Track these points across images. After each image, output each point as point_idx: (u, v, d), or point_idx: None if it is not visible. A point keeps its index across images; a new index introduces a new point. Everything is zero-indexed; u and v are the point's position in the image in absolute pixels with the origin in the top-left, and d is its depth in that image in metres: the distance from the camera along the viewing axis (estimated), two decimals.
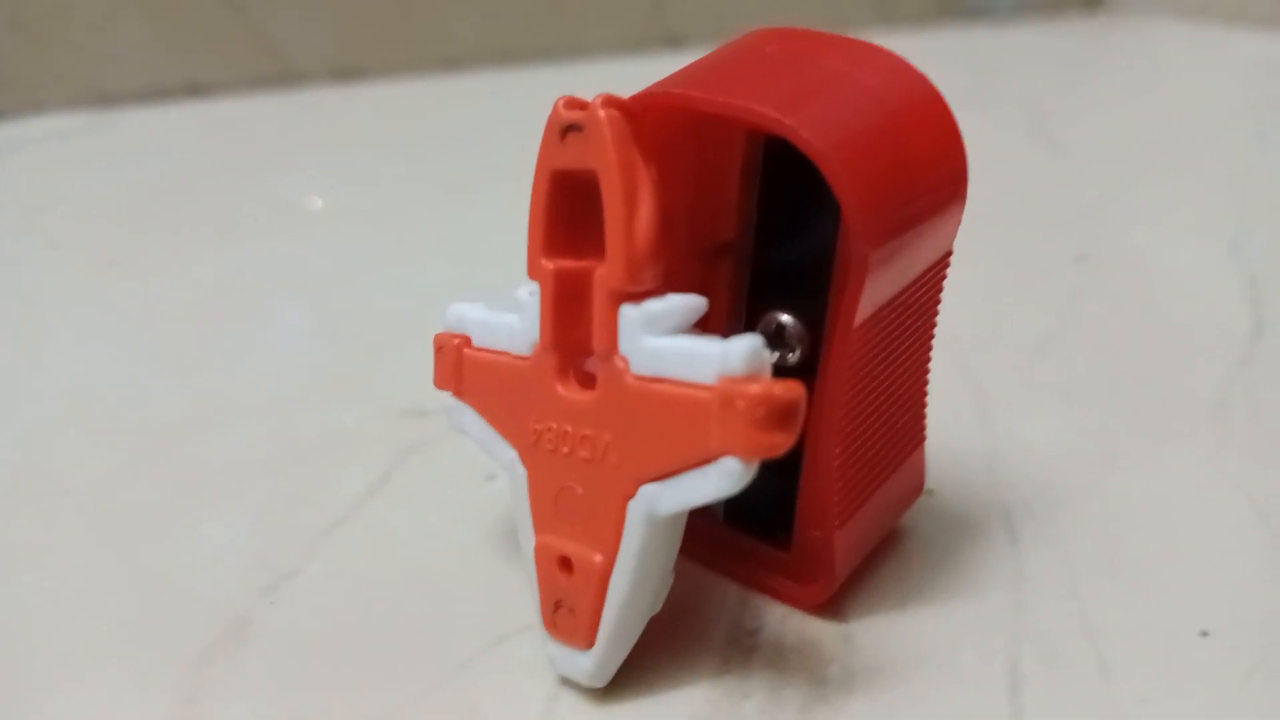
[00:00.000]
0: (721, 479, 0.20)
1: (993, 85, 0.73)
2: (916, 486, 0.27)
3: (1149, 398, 0.34)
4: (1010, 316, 0.40)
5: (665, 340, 0.20)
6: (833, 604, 0.25)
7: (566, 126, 0.21)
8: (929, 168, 0.22)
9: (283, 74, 0.69)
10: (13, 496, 0.30)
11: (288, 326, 0.40)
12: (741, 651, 0.24)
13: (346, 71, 0.71)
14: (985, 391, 0.34)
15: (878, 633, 0.24)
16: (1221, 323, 0.39)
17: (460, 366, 0.24)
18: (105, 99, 0.65)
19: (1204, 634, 0.24)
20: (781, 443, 0.19)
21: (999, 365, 0.36)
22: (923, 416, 0.26)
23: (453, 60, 0.73)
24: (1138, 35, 0.87)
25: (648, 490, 0.21)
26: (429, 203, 0.52)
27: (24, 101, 0.64)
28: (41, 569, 0.27)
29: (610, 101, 0.20)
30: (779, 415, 0.19)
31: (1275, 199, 0.52)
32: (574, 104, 0.21)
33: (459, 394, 0.24)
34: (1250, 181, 0.55)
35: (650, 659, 0.23)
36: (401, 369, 0.35)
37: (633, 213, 0.20)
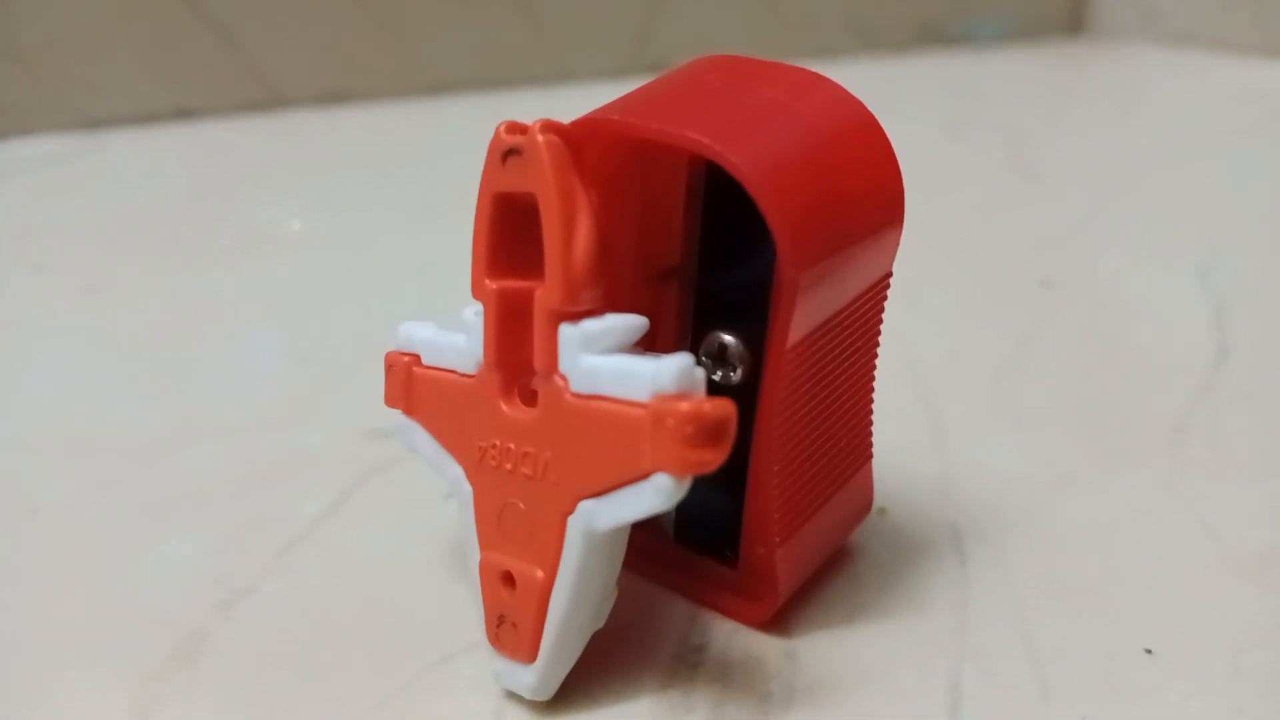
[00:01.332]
0: (655, 495, 0.20)
1: (973, 112, 0.73)
2: (864, 504, 0.27)
3: (1108, 423, 0.34)
4: (973, 341, 0.40)
5: (601, 359, 0.21)
6: (779, 620, 0.25)
7: (507, 150, 0.21)
8: (863, 193, 0.22)
9: (270, 99, 0.70)
10: None
11: (260, 349, 0.40)
12: (687, 667, 0.24)
13: (333, 96, 0.72)
14: (943, 415, 0.34)
15: (822, 650, 0.25)
16: (1185, 349, 0.39)
17: (410, 385, 0.25)
18: (94, 123, 0.66)
19: (1148, 652, 0.24)
20: (711, 459, 0.19)
21: (959, 389, 0.36)
22: (868, 435, 0.26)
23: (439, 86, 0.74)
24: (1119, 62, 0.88)
25: (586, 506, 0.21)
26: (408, 227, 0.53)
27: (14, 126, 0.65)
28: (3, 584, 0.27)
29: (549, 126, 0.21)
30: (709, 432, 0.19)
31: (1247, 226, 0.53)
32: (514, 128, 0.21)
33: (409, 412, 0.25)
34: (1223, 208, 0.55)
35: (596, 673, 0.24)
36: (368, 391, 0.35)
37: (570, 235, 0.21)
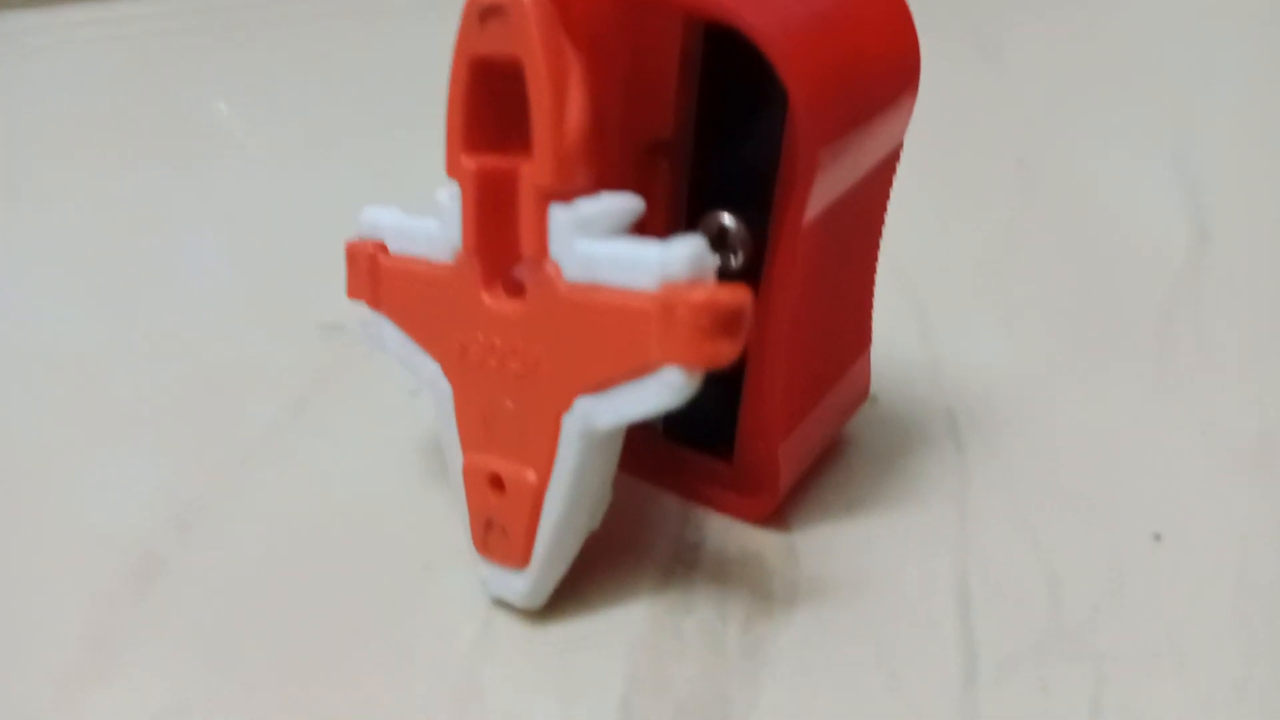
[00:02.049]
0: (662, 391, 0.18)
1: None
2: (861, 393, 0.26)
3: (1091, 311, 0.33)
4: (950, 231, 0.39)
5: (600, 244, 0.19)
6: (776, 516, 0.24)
7: (486, 9, 0.19)
8: (880, 56, 0.20)
9: None
10: None
11: (199, 251, 0.37)
12: (683, 566, 0.23)
13: None
14: (927, 306, 0.33)
15: (822, 544, 0.24)
16: (1165, 235, 0.38)
17: (375, 275, 0.22)
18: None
19: (1157, 538, 0.24)
20: (727, 352, 0.18)
21: (941, 279, 0.35)
22: (869, 320, 0.25)
23: None
24: None
25: (583, 404, 0.20)
26: (355, 114, 0.49)
27: None
28: None
29: None
30: (724, 323, 0.18)
31: (1218, 109, 0.52)
32: None
33: (374, 305, 0.23)
34: (1194, 91, 0.54)
35: (588, 577, 0.23)
36: (319, 290, 0.33)
37: (561, 103, 0.19)
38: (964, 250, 0.37)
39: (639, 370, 0.18)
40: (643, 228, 0.20)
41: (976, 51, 0.60)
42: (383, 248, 0.22)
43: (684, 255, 0.18)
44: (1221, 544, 0.24)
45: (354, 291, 0.23)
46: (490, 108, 0.20)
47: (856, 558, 0.23)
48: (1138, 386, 0.30)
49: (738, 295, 0.17)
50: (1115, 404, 0.29)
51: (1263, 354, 0.31)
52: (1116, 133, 0.48)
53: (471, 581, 0.22)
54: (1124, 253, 0.37)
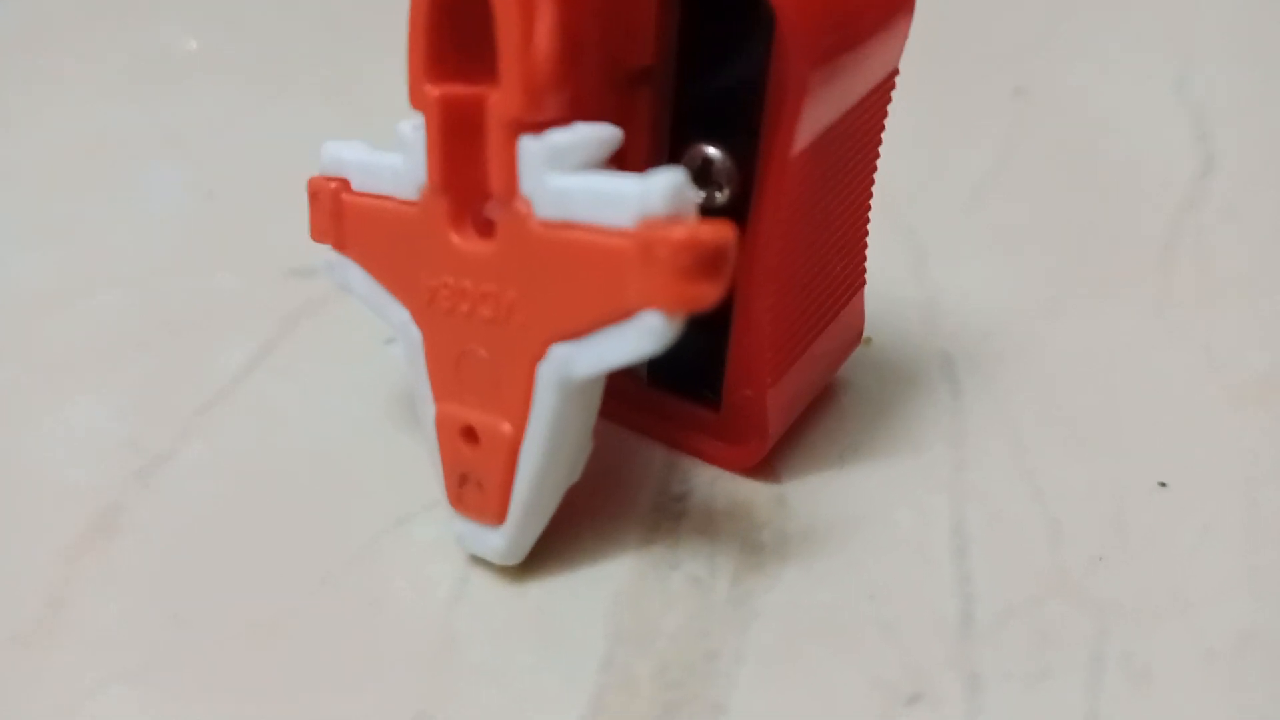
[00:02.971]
0: (642, 337, 0.17)
1: None
2: (855, 335, 0.25)
3: (1093, 242, 0.32)
4: (944, 159, 0.37)
5: (574, 178, 0.17)
6: (765, 464, 0.23)
7: None
8: None
9: None
10: None
11: (157, 185, 0.35)
12: (669, 518, 0.22)
13: None
14: (921, 239, 0.32)
15: (813, 493, 0.23)
16: (1166, 163, 0.37)
17: (339, 215, 0.21)
18: None
19: (1162, 485, 0.23)
20: (709, 294, 0.16)
21: (933, 211, 0.34)
22: (863, 258, 0.23)
23: None
24: None
25: (559, 351, 0.18)
26: (316, 44, 0.47)
27: None
28: None
29: None
30: (707, 262, 0.16)
31: (1221, 32, 0.50)
32: None
33: (339, 247, 0.21)
34: (1196, 14, 0.52)
35: (569, 531, 0.22)
36: (284, 227, 0.31)
37: (530, 24, 0.17)
38: (960, 181, 0.36)
39: (617, 314, 0.17)
40: (622, 161, 0.19)
41: None
42: (346, 185, 0.21)
43: (663, 189, 0.16)
44: (1228, 488, 0.23)
45: (317, 233, 0.22)
46: (456, 31, 0.18)
47: (849, 507, 0.22)
48: (1139, 322, 0.29)
49: (721, 232, 0.16)
50: (1116, 341, 0.28)
51: (1269, 287, 0.30)
52: (1117, 57, 0.46)
53: (446, 536, 0.21)
54: (1126, 182, 0.36)
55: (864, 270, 0.24)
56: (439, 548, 0.21)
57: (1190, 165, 0.36)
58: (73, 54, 0.46)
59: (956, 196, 0.35)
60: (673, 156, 0.21)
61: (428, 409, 0.21)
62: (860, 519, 0.22)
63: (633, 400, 0.24)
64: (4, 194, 0.35)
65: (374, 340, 0.27)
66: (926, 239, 0.32)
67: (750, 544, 0.22)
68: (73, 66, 0.45)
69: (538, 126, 0.18)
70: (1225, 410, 0.25)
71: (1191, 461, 0.24)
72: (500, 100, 0.18)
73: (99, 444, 0.24)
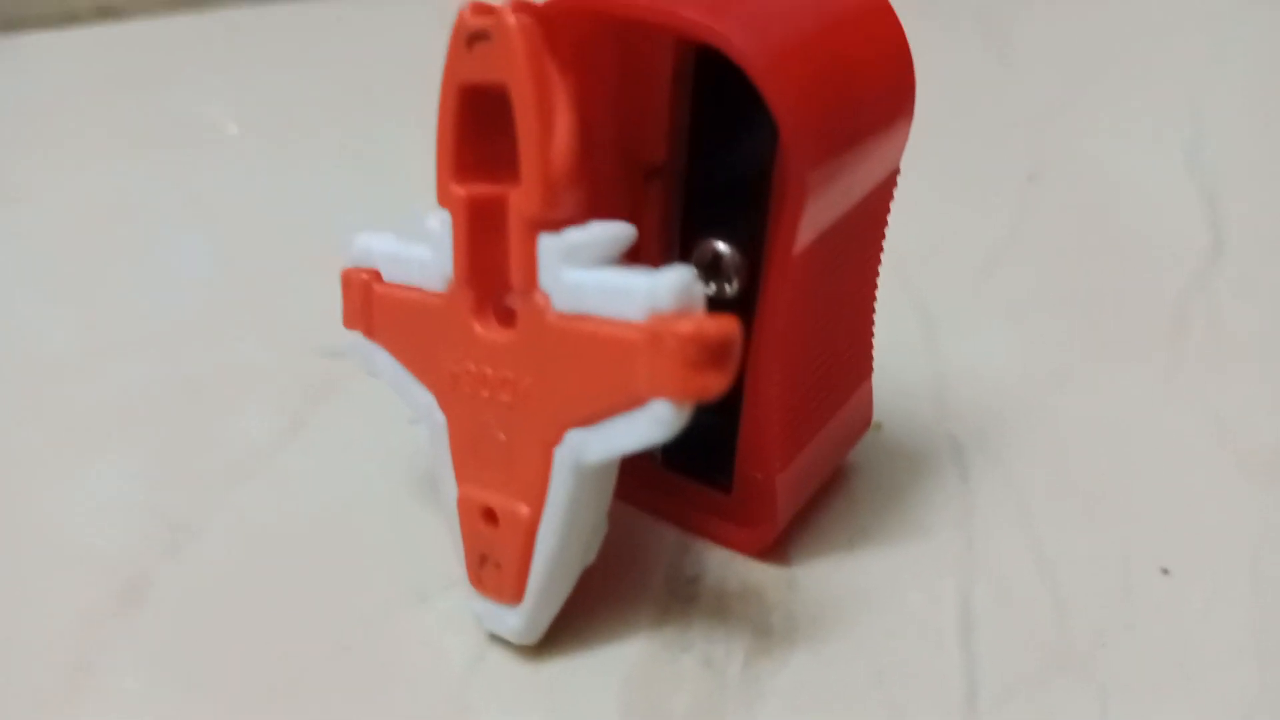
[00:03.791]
0: (652, 424, 0.18)
1: None
2: (864, 421, 0.25)
3: (1103, 316, 0.33)
4: (958, 232, 0.38)
5: (588, 273, 0.19)
6: (776, 547, 0.24)
7: (473, 34, 0.19)
8: (873, 79, 0.20)
9: None
10: None
11: (193, 256, 0.37)
12: (681, 601, 0.23)
13: None
14: (932, 313, 0.33)
15: (823, 577, 0.23)
16: (1178, 235, 0.38)
17: (369, 304, 0.22)
18: (11, 23, 0.61)
19: (1165, 572, 0.23)
20: (716, 384, 0.17)
21: (946, 284, 0.34)
22: (869, 347, 0.24)
23: None
24: None
25: (574, 437, 0.19)
26: (347, 124, 0.49)
27: None
28: None
29: (521, 6, 0.18)
30: (713, 354, 0.17)
31: (1230, 109, 0.51)
32: (481, 9, 0.19)
33: (369, 334, 0.22)
34: (1206, 90, 0.53)
35: (584, 611, 0.22)
36: (307, 300, 0.32)
37: (548, 131, 0.18)
38: (971, 255, 0.36)
39: (628, 402, 0.18)
40: (636, 253, 0.20)
41: (984, 45, 0.59)
42: (377, 276, 0.22)
43: (671, 285, 0.17)
44: (1234, 564, 0.23)
45: (349, 321, 0.23)
46: (480, 134, 0.20)
47: (858, 590, 0.23)
48: (1150, 392, 0.29)
49: (726, 326, 0.17)
50: (1126, 412, 0.28)
51: (1278, 357, 0.30)
52: (1129, 131, 0.47)
53: (465, 612, 0.22)
54: (1136, 254, 0.36)
55: (871, 359, 0.24)
56: (457, 623, 0.22)
57: (1200, 237, 0.37)
58: (99, 121, 0.49)
59: (969, 269, 0.35)
60: (684, 248, 0.22)
61: (449, 490, 0.22)
62: (869, 602, 0.23)
63: (647, 482, 0.24)
64: (32, 259, 0.37)
65: (396, 418, 0.28)
66: (938, 313, 0.33)
67: (761, 626, 0.22)
68: (99, 133, 0.47)
69: (556, 224, 0.19)
70: (1234, 481, 0.26)
71: (1199, 536, 0.24)
72: (521, 200, 0.19)
73: (125, 512, 0.25)
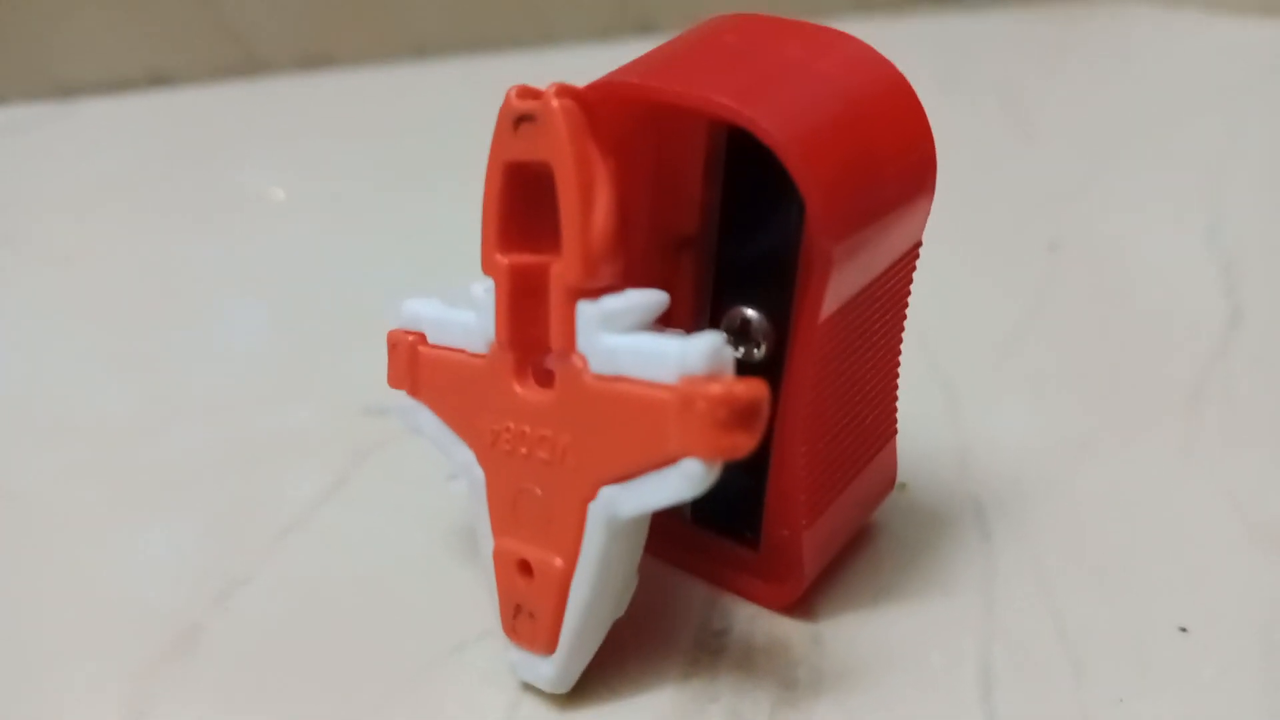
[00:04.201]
0: (682, 481, 0.19)
1: (967, 71, 0.72)
2: (888, 482, 0.26)
3: (1122, 388, 0.34)
4: (980, 305, 0.39)
5: (623, 338, 0.20)
6: (802, 603, 0.24)
7: (519, 117, 0.20)
8: (895, 158, 0.21)
9: (247, 62, 0.68)
10: None
11: (243, 321, 0.39)
12: (709, 653, 0.24)
13: (311, 60, 0.69)
14: (955, 383, 0.34)
15: (847, 633, 0.24)
16: (1197, 312, 0.39)
17: (415, 365, 0.23)
18: (65, 90, 0.64)
19: (1183, 630, 0.24)
20: (744, 444, 0.18)
21: (969, 356, 0.35)
22: (893, 411, 0.25)
23: (420, 48, 0.72)
24: (1113, 20, 0.86)
25: (607, 493, 0.20)
26: (393, 193, 0.51)
27: None
28: None
29: (565, 91, 0.20)
30: (741, 415, 0.18)
31: (1249, 185, 0.52)
32: (527, 93, 0.20)
33: (414, 393, 0.24)
34: (1224, 168, 0.54)
35: (615, 662, 0.23)
36: (357, 365, 0.34)
37: (589, 206, 0.20)
38: (993, 328, 0.37)
39: (660, 460, 0.19)
40: (669, 319, 0.21)
41: (1007, 122, 0.61)
42: (422, 339, 0.24)
43: (702, 349, 0.18)
44: (1247, 631, 0.24)
45: (395, 380, 0.24)
46: (523, 208, 0.21)
47: (882, 647, 0.24)
48: (1167, 464, 0.30)
49: (754, 388, 0.18)
50: (1143, 483, 0.29)
51: None
52: (1149, 208, 0.48)
53: (500, 663, 0.23)
54: (1155, 330, 0.37)
55: (895, 421, 0.25)
56: (493, 674, 0.23)
57: (1218, 314, 0.38)
58: (151, 187, 0.51)
59: (991, 342, 0.36)
60: (714, 314, 0.24)
61: (487, 543, 0.23)
62: (892, 659, 0.23)
63: (676, 538, 0.25)
64: (93, 324, 0.39)
65: (435, 476, 0.29)
66: (961, 383, 0.33)
67: (786, 680, 0.23)
68: (151, 199, 0.50)
69: (594, 292, 0.20)
70: (1247, 552, 0.26)
71: (1213, 603, 0.24)
72: (562, 270, 0.20)
73: (180, 567, 0.26)
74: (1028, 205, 0.49)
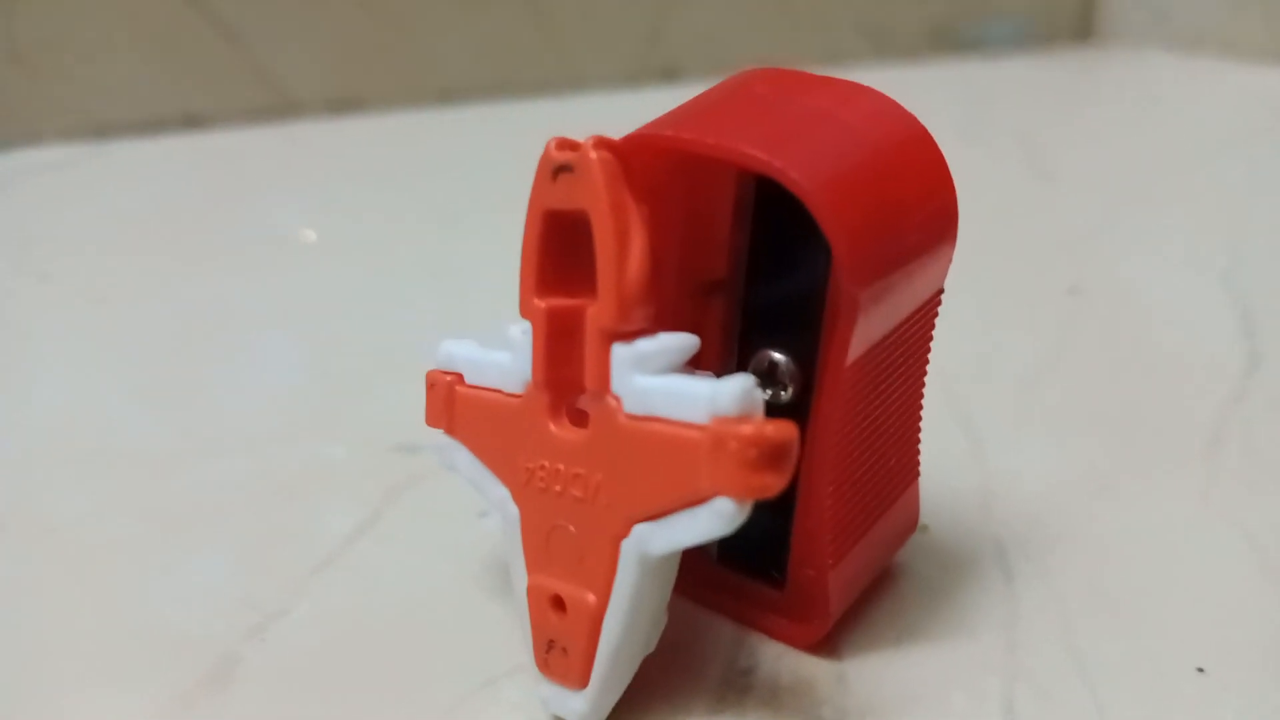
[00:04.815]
0: (713, 520, 0.19)
1: (986, 117, 0.73)
2: (911, 523, 0.27)
3: (1142, 431, 0.34)
4: (1002, 349, 0.40)
5: (656, 380, 0.20)
6: (827, 642, 0.25)
7: (558, 167, 0.21)
8: (918, 206, 0.22)
9: (278, 105, 0.69)
10: None
11: (276, 359, 0.40)
12: (736, 691, 0.24)
13: (342, 103, 0.71)
14: (977, 426, 0.34)
15: (872, 672, 0.24)
16: (1215, 356, 0.39)
17: (452, 404, 0.24)
18: (101, 130, 0.66)
19: (1200, 671, 0.24)
20: (774, 484, 0.19)
21: (990, 399, 0.36)
22: (916, 453, 0.26)
23: (448, 92, 0.74)
24: (1130, 67, 0.88)
25: (640, 530, 0.21)
26: (422, 235, 0.52)
27: (19, 132, 0.64)
28: (22, 607, 0.27)
29: (602, 143, 0.21)
30: (771, 456, 0.19)
31: (1267, 231, 0.52)
32: (565, 145, 0.21)
33: (450, 432, 0.24)
34: (1242, 213, 0.55)
35: (644, 699, 0.23)
36: (390, 402, 0.35)
37: (624, 253, 0.20)
38: (1014, 371, 0.38)
39: (691, 499, 0.20)
40: (699, 361, 0.22)
41: (1026, 168, 0.62)
42: (459, 379, 0.24)
43: (733, 391, 0.19)
44: (1265, 671, 0.24)
45: (432, 419, 0.25)
46: (559, 253, 0.22)
47: (906, 686, 0.24)
48: (1186, 506, 0.30)
49: (784, 430, 0.19)
50: (1163, 524, 0.29)
51: None
52: (1167, 252, 0.49)
53: (531, 698, 0.23)
54: (1174, 373, 0.38)
55: (918, 463, 0.26)
56: (524, 708, 0.23)
57: (1237, 357, 0.38)
58: (184, 227, 0.52)
59: (1012, 384, 0.37)
60: (742, 357, 0.24)
61: (520, 579, 0.23)
62: (915, 698, 0.24)
63: (703, 578, 0.26)
64: (130, 360, 0.40)
65: (467, 513, 0.30)
66: (983, 426, 0.34)
67: (812, 718, 0.23)
68: (195, 246, 0.51)
69: (628, 335, 0.21)
70: (1264, 594, 0.26)
71: (1230, 644, 0.25)
72: (597, 313, 0.21)
73: (216, 598, 0.27)
74: (1048, 249, 0.50)
